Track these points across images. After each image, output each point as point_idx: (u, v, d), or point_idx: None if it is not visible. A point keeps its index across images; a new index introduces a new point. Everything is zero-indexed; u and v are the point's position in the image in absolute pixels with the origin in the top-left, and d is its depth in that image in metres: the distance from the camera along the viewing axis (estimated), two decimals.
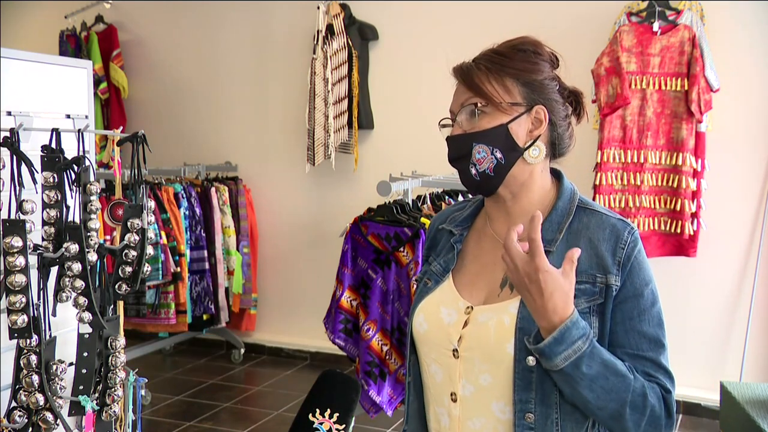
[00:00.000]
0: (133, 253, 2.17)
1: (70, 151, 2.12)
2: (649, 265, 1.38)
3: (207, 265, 4.79)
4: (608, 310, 1.33)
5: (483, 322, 1.36)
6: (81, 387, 2.15)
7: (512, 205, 1.43)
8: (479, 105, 1.37)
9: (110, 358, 2.20)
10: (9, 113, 2.18)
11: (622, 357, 1.32)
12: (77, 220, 2.07)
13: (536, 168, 1.41)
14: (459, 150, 1.40)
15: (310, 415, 1.63)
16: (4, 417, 2.01)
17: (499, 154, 1.37)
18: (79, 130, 2.20)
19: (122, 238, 2.18)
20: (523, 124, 1.38)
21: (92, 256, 2.07)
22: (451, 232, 1.51)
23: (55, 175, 2.03)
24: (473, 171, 1.39)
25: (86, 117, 2.46)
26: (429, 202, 3.67)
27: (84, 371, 2.15)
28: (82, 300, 2.05)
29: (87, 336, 2.15)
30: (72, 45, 5.53)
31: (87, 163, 2.08)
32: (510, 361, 1.32)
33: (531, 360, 1.30)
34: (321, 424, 1.62)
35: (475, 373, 1.37)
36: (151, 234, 2.22)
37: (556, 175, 1.47)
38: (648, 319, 1.34)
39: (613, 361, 1.28)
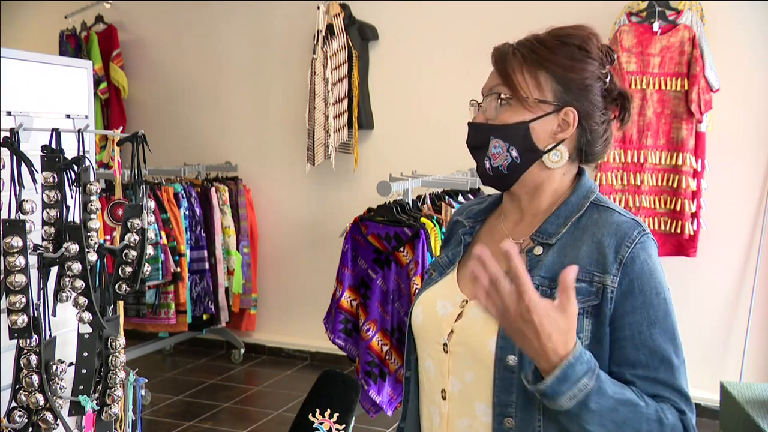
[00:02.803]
0: (133, 253, 2.17)
1: (70, 151, 2.12)
2: (662, 273, 1.26)
3: (207, 265, 4.79)
4: (603, 313, 1.21)
5: (473, 317, 1.27)
6: (81, 387, 2.14)
7: (527, 205, 1.33)
8: (503, 96, 1.27)
9: (110, 358, 2.20)
10: (9, 113, 2.18)
11: (633, 380, 1.20)
12: (77, 220, 2.07)
13: (555, 172, 1.30)
14: (477, 139, 1.31)
15: (310, 415, 1.63)
16: (4, 417, 2.01)
17: (515, 153, 1.27)
18: (79, 130, 2.20)
19: (122, 238, 2.18)
20: (547, 124, 1.27)
21: (92, 256, 2.06)
22: (464, 224, 1.42)
23: (55, 175, 2.02)
24: (487, 164, 1.30)
25: (86, 117, 2.45)
26: (429, 202, 3.66)
27: (84, 371, 2.15)
28: (82, 300, 2.05)
29: (87, 336, 2.15)
30: (72, 45, 5.53)
31: (87, 163, 2.08)
32: (491, 359, 1.22)
33: (512, 359, 1.20)
34: (321, 424, 1.62)
35: (462, 369, 1.27)
36: (151, 234, 2.22)
37: (578, 172, 1.35)
38: (659, 332, 1.21)
39: (622, 391, 1.15)
